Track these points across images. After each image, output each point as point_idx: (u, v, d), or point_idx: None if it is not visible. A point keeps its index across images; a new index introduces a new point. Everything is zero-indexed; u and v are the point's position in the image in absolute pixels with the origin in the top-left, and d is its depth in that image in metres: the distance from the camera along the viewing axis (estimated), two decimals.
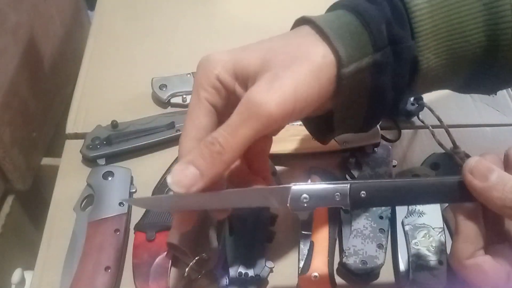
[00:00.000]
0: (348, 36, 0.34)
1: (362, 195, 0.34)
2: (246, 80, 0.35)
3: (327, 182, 0.35)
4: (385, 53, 0.35)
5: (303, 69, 0.33)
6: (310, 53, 0.34)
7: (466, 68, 0.37)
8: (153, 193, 0.53)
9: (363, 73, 0.34)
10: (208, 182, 0.33)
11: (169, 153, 0.57)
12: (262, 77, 0.33)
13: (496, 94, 0.62)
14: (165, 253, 0.48)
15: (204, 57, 0.37)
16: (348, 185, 0.34)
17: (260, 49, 0.35)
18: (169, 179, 0.33)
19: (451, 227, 0.50)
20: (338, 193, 0.34)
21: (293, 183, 0.35)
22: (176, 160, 0.52)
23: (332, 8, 0.38)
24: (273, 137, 0.40)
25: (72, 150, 0.59)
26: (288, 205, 0.34)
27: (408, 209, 0.51)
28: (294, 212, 0.35)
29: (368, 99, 0.36)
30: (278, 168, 0.56)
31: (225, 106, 0.37)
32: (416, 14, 0.35)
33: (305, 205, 0.34)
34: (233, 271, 0.46)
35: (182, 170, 0.33)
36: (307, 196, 0.34)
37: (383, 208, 0.50)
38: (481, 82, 0.39)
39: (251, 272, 0.46)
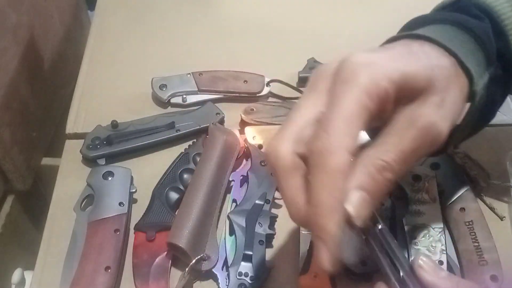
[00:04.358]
0: (470, 55, 0.36)
1: None
2: (409, 96, 0.33)
3: None
4: (496, 68, 0.37)
5: (457, 93, 0.35)
6: (455, 75, 0.35)
7: None
8: (153, 193, 0.53)
9: (485, 89, 0.37)
10: (375, 207, 0.32)
11: (169, 153, 0.57)
12: (429, 99, 0.33)
13: None
14: (165, 253, 0.48)
15: (362, 57, 0.32)
16: None
17: (417, 64, 0.33)
18: (350, 208, 0.30)
19: (451, 227, 0.50)
20: None
21: None
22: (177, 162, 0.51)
23: (431, 20, 0.39)
24: None
25: (72, 150, 0.59)
26: None
27: (408, 209, 0.51)
28: None
29: (480, 113, 0.38)
30: None
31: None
32: None
33: None
34: (233, 271, 0.46)
35: (359, 200, 0.31)
36: None
37: (382, 207, 0.50)
38: None
39: (251, 272, 0.46)
